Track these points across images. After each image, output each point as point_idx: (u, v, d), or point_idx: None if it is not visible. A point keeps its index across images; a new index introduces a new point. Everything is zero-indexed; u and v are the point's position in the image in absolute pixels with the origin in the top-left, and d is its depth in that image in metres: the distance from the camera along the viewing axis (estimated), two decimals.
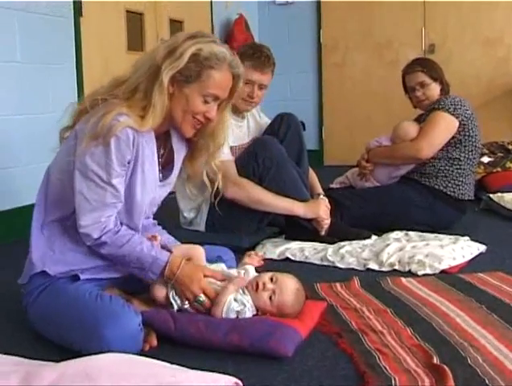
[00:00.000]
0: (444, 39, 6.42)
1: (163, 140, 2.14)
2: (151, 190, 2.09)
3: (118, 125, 1.88)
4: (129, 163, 1.96)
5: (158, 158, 2.10)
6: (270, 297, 2.06)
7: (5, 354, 1.79)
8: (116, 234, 1.97)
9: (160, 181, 2.13)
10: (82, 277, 2.03)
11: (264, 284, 2.08)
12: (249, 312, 2.03)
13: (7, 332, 2.14)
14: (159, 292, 2.05)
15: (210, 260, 2.27)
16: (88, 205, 1.93)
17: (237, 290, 2.05)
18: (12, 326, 2.18)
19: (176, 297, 2.05)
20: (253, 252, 2.35)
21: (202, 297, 2.03)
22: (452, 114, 3.47)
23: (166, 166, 2.17)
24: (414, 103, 3.74)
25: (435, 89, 3.63)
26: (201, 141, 2.18)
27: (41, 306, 2.01)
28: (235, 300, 2.02)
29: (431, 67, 3.67)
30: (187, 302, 2.04)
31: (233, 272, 2.17)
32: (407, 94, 3.77)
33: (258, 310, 2.05)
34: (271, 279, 2.09)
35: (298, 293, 2.10)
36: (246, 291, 2.07)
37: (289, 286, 2.09)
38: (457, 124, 3.48)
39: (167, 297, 2.05)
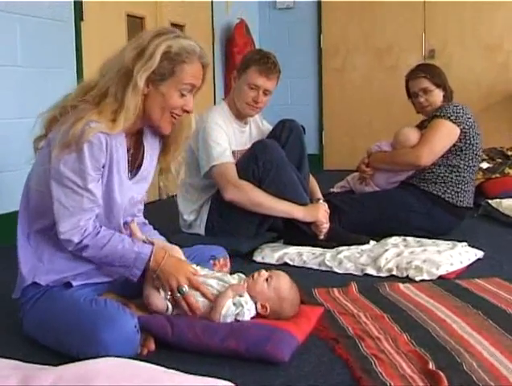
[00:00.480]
0: (444, 44, 6.44)
1: (133, 138, 2.15)
2: (128, 190, 2.11)
3: (90, 131, 1.89)
4: (103, 167, 1.98)
5: (128, 157, 2.11)
6: (267, 280, 2.11)
7: (2, 357, 1.80)
8: (96, 236, 1.98)
9: (130, 179, 2.12)
10: (74, 283, 2.04)
11: (259, 272, 2.15)
12: (248, 312, 2.04)
13: (4, 337, 2.15)
14: (157, 299, 2.06)
15: (203, 260, 2.32)
16: (66, 211, 1.94)
17: (235, 296, 2.06)
18: (9, 330, 2.19)
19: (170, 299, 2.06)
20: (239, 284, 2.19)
21: (185, 288, 2.03)
22: (454, 122, 3.46)
23: (135, 161, 2.16)
24: (418, 109, 3.74)
25: (438, 95, 3.62)
26: (172, 134, 2.19)
27: (37, 314, 2.02)
28: (234, 304, 2.04)
29: (435, 73, 3.66)
30: (169, 293, 2.04)
31: (227, 278, 2.17)
32: (410, 99, 3.77)
33: (256, 309, 2.08)
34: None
35: (292, 285, 2.17)
36: (243, 293, 2.09)
37: (283, 275, 2.18)
38: (459, 132, 3.48)
39: (165, 307, 2.06)
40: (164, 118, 2.06)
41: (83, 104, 1.96)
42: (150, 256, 2.02)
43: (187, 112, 2.10)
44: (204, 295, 2.05)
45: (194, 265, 2.15)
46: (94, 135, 1.90)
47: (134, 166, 2.15)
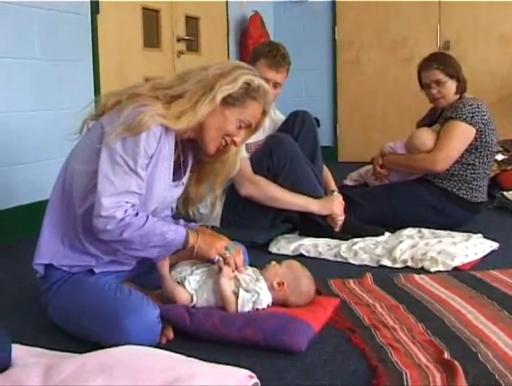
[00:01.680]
0: (459, 36, 6.41)
1: (178, 145, 2.20)
2: (166, 188, 2.15)
3: (153, 121, 1.95)
4: (151, 158, 2.02)
5: (175, 161, 2.17)
6: (279, 263, 2.21)
7: (27, 345, 1.84)
8: (136, 216, 2.00)
9: (173, 181, 2.18)
10: (97, 270, 2.08)
11: (270, 262, 2.24)
12: (264, 299, 2.08)
13: (29, 325, 2.18)
14: (182, 293, 2.09)
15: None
16: (112, 188, 1.96)
17: (235, 278, 2.10)
18: (32, 317, 2.22)
19: (195, 289, 2.09)
20: (224, 267, 2.19)
21: (230, 248, 2.13)
22: (470, 123, 3.42)
23: (178, 169, 2.22)
24: (430, 100, 3.71)
25: (451, 87, 3.56)
26: (211, 166, 2.30)
27: (61, 300, 2.05)
28: (247, 291, 2.07)
29: (448, 63, 3.59)
30: (217, 257, 2.11)
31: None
32: (423, 89, 3.72)
33: (273, 289, 2.13)
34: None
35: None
36: (259, 277, 2.14)
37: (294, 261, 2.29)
38: (474, 132, 3.43)
39: (190, 298, 2.09)
40: (215, 139, 2.14)
41: (151, 99, 2.03)
42: (188, 234, 2.09)
43: (235, 144, 2.18)
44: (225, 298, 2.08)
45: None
46: (156, 125, 1.97)
47: (176, 170, 2.20)
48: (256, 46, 3.57)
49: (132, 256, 2.12)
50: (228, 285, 2.07)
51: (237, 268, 2.13)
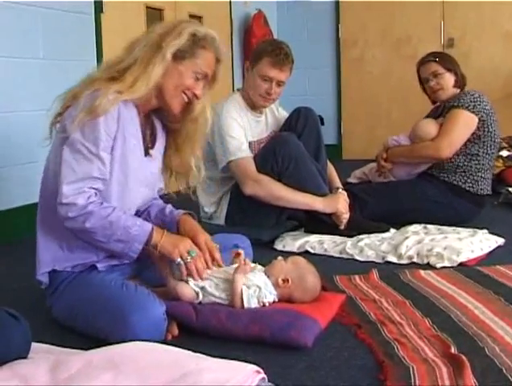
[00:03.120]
0: (463, 33, 6.40)
1: (145, 119, 2.22)
2: (141, 164, 2.16)
3: (109, 103, 1.97)
4: (115, 139, 2.03)
5: (143, 136, 2.18)
6: (284, 260, 2.21)
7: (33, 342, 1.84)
8: (101, 205, 2.00)
9: (145, 156, 2.19)
10: (100, 265, 2.10)
11: (276, 257, 2.25)
12: (269, 294, 2.09)
13: (34, 324, 2.17)
14: (186, 289, 2.09)
15: (227, 248, 2.35)
16: (73, 175, 1.97)
17: (245, 276, 2.10)
18: (37, 318, 2.20)
19: (199, 285, 2.09)
20: (241, 263, 2.20)
21: (194, 252, 2.08)
22: (472, 111, 3.44)
23: (148, 140, 2.23)
24: (430, 94, 3.72)
25: (449, 79, 3.60)
26: (184, 130, 2.29)
27: (67, 299, 2.07)
28: (248, 287, 2.07)
29: (445, 58, 3.66)
30: (178, 259, 2.06)
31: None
32: (422, 87, 3.76)
33: (278, 285, 2.13)
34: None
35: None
36: (261, 273, 2.15)
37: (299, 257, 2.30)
38: (477, 120, 3.46)
39: (195, 295, 2.09)
40: (176, 97, 2.15)
41: (106, 81, 2.05)
42: (152, 231, 2.06)
43: (196, 97, 2.18)
44: (233, 294, 2.07)
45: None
46: (111, 106, 1.98)
47: (147, 144, 2.22)
48: (259, 43, 3.56)
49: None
50: (241, 282, 2.07)
51: (198, 273, 2.08)
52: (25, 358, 1.67)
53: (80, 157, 1.98)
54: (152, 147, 2.24)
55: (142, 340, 1.77)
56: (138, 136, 2.14)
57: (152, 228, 2.06)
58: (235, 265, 2.16)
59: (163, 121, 2.29)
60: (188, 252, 2.07)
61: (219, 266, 2.17)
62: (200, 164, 2.37)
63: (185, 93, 2.16)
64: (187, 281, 2.08)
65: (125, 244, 2.02)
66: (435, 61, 3.62)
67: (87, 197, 1.97)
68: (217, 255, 2.18)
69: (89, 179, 1.98)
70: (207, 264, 2.12)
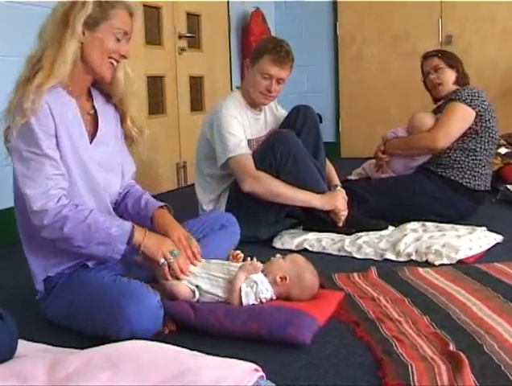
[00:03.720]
0: (461, 30, 6.39)
1: (85, 103, 2.19)
2: (92, 152, 2.14)
3: (32, 102, 1.94)
4: (57, 136, 2.01)
5: (84, 121, 2.15)
6: (283, 257, 2.23)
7: (31, 341, 1.84)
8: (76, 208, 1.98)
9: (90, 143, 2.15)
10: (90, 263, 2.11)
11: (274, 255, 2.27)
12: (265, 291, 2.09)
13: (31, 324, 2.17)
14: (181, 287, 2.09)
15: (214, 229, 2.44)
16: (32, 182, 1.95)
17: (247, 276, 2.10)
18: (35, 318, 2.21)
19: (196, 285, 2.09)
20: (247, 262, 2.22)
21: (176, 251, 2.09)
22: (469, 105, 3.46)
23: (93, 126, 2.20)
24: (430, 89, 3.74)
25: (449, 75, 3.64)
26: (121, 104, 2.27)
27: (61, 299, 2.08)
28: (246, 286, 2.07)
29: (448, 55, 3.70)
30: (162, 260, 2.07)
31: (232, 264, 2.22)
32: (425, 83, 3.78)
33: (276, 283, 2.14)
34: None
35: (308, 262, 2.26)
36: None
37: (298, 255, 2.31)
38: (474, 114, 3.47)
39: (191, 293, 2.09)
40: (104, 64, 2.11)
41: (30, 80, 2.00)
42: (133, 230, 2.05)
43: (124, 57, 2.16)
44: (232, 290, 2.08)
45: (212, 260, 2.21)
46: (38, 104, 1.95)
47: (94, 131, 2.19)
48: (260, 41, 3.56)
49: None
50: (242, 279, 2.08)
51: (182, 272, 2.10)
52: (10, 358, 1.66)
53: (30, 162, 1.96)
54: (96, 130, 2.19)
55: (140, 330, 1.79)
56: (77, 123, 2.10)
57: (132, 227, 2.06)
58: (235, 264, 2.17)
59: (106, 93, 2.26)
60: (171, 252, 2.08)
61: (198, 261, 2.17)
62: (144, 125, 2.37)
63: (112, 57, 2.12)
64: (179, 280, 2.09)
65: (107, 246, 2.01)
66: (438, 56, 3.67)
67: (56, 200, 1.96)
68: (196, 250, 2.18)
69: (48, 180, 1.96)
70: (190, 260, 2.13)
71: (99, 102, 2.24)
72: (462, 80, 3.66)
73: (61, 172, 2.01)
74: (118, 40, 2.11)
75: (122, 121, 2.30)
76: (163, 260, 2.07)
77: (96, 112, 2.21)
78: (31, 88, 1.96)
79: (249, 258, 2.21)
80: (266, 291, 2.09)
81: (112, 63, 2.13)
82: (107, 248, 2.01)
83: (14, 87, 2.06)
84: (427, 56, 3.75)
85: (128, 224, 2.06)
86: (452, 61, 3.65)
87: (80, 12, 2.01)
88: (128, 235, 2.03)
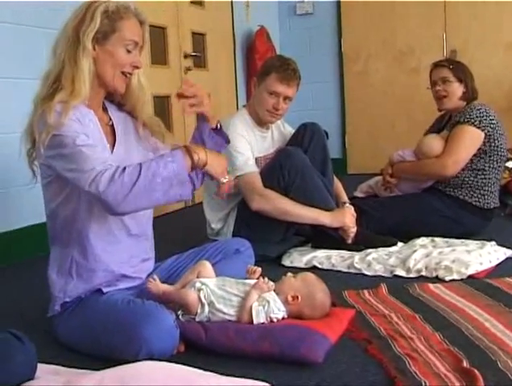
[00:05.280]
0: (466, 44, 6.41)
1: (102, 115, 2.20)
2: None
3: (58, 115, 1.95)
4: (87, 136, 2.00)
5: (105, 132, 2.15)
6: (294, 276, 2.21)
7: (43, 363, 1.83)
8: (124, 171, 1.92)
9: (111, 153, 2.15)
10: (105, 289, 2.10)
11: (285, 274, 2.25)
12: (277, 310, 2.08)
13: (42, 345, 2.16)
14: (191, 295, 2.08)
15: (229, 255, 2.44)
16: (81, 173, 1.91)
17: (260, 295, 2.09)
18: (46, 340, 2.19)
19: (210, 301, 2.08)
20: (261, 280, 2.18)
21: (230, 167, 2.15)
22: (478, 127, 3.42)
23: (113, 137, 2.21)
24: (435, 99, 3.70)
25: (457, 88, 3.58)
26: (133, 111, 2.27)
27: (75, 322, 2.06)
28: (258, 305, 2.06)
29: (459, 67, 3.63)
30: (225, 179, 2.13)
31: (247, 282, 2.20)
32: (431, 88, 3.73)
33: (288, 302, 2.12)
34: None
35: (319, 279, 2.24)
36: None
37: (309, 273, 2.28)
38: (483, 136, 3.43)
39: (199, 300, 2.08)
40: (116, 78, 2.12)
41: (49, 98, 2.01)
42: (186, 152, 2.02)
43: (137, 67, 2.16)
44: (243, 308, 2.06)
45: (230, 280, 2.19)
46: (65, 117, 1.96)
47: (113, 141, 2.19)
48: (267, 60, 3.58)
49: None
50: (254, 298, 2.07)
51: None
52: (31, 379, 1.66)
53: (73, 158, 1.93)
54: (114, 140, 2.19)
55: (157, 351, 1.78)
56: (99, 134, 2.10)
57: (183, 149, 2.03)
58: (249, 281, 2.16)
59: (118, 104, 2.27)
60: (227, 170, 2.14)
61: None
62: (161, 129, 2.35)
63: (124, 71, 2.12)
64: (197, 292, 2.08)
65: (175, 179, 1.96)
66: (449, 68, 3.61)
67: (108, 166, 1.92)
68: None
69: (95, 161, 1.93)
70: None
71: (113, 112, 2.25)
72: (470, 94, 3.60)
73: (98, 151, 1.99)
74: (129, 52, 2.11)
75: (136, 127, 2.29)
76: (226, 179, 2.12)
77: (113, 123, 2.22)
78: (53, 104, 1.96)
79: (260, 277, 2.20)
80: (278, 311, 2.08)
81: (125, 75, 2.14)
82: (176, 187, 1.96)
83: (32, 106, 2.08)
84: (437, 65, 3.69)
85: (176, 151, 2.02)
86: (462, 74, 3.59)
87: (88, 28, 2.03)
88: (183, 158, 1.99)
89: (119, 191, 1.88)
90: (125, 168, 1.92)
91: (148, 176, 1.90)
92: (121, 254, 2.16)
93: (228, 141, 2.38)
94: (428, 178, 3.59)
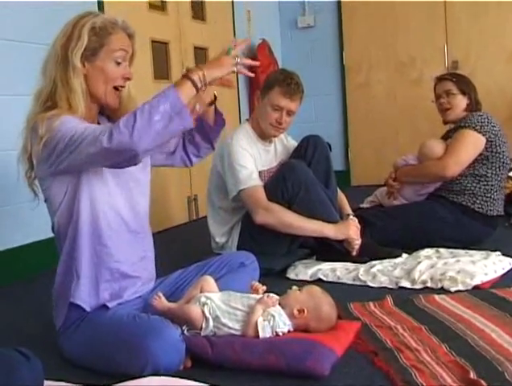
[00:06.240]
0: (467, 55, 6.43)
1: None
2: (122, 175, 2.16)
3: (51, 120, 1.97)
4: None
5: None
6: (299, 289, 2.21)
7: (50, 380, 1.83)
8: (119, 123, 1.88)
9: None
10: (110, 305, 2.10)
11: (290, 287, 2.25)
12: (283, 324, 2.08)
13: (50, 360, 2.17)
14: (195, 310, 2.08)
15: (233, 268, 2.43)
16: (86, 141, 1.91)
17: (265, 309, 2.09)
18: (52, 356, 2.19)
19: (216, 315, 2.08)
20: (265, 295, 2.17)
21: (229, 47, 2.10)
22: (479, 132, 3.45)
23: None
24: (439, 111, 3.74)
25: (460, 101, 3.62)
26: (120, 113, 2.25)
27: (81, 337, 2.06)
28: (264, 320, 2.06)
29: (463, 80, 3.68)
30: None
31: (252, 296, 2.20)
32: (435, 102, 3.77)
33: (294, 316, 2.12)
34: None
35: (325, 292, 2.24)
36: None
37: (315, 286, 2.28)
38: (484, 141, 3.46)
39: (202, 315, 2.08)
40: (109, 92, 2.14)
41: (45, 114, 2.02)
42: (179, 82, 1.98)
43: (129, 79, 2.17)
44: (248, 323, 2.06)
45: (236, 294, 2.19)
46: (56, 121, 1.97)
47: None
48: (270, 74, 3.59)
49: None
50: (259, 313, 2.07)
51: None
52: None
53: (73, 143, 1.93)
54: None
55: (164, 365, 1.78)
56: None
57: (174, 83, 2.01)
58: (254, 296, 2.15)
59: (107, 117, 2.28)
60: (227, 51, 2.12)
61: None
62: None
63: (116, 86, 2.13)
64: (202, 307, 2.08)
65: (171, 112, 1.90)
66: (452, 81, 3.65)
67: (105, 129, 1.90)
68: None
69: (93, 130, 1.93)
70: None
71: (106, 124, 2.24)
72: (474, 106, 3.64)
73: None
74: (119, 64, 2.12)
75: None
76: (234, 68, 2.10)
77: None
78: (46, 115, 1.99)
79: (265, 293, 2.20)
80: (284, 325, 2.08)
81: (117, 89, 2.15)
82: (175, 117, 1.90)
83: (24, 124, 2.09)
84: (441, 79, 3.73)
85: (167, 86, 1.97)
86: (465, 87, 3.64)
87: (76, 46, 2.04)
88: (174, 88, 1.94)
89: (123, 140, 1.85)
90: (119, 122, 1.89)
91: (145, 117, 1.86)
92: (122, 251, 2.17)
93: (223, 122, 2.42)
94: (430, 179, 3.61)
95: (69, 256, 2.11)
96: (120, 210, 2.15)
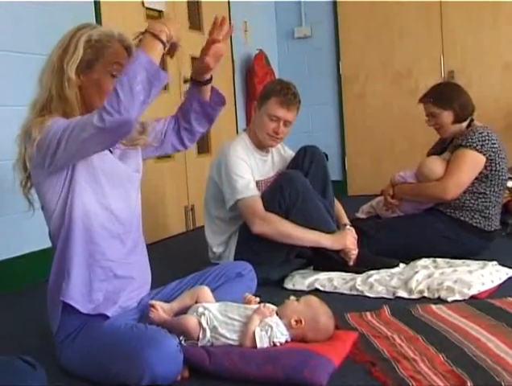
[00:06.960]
0: (463, 65, 6.45)
1: None
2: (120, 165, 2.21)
3: (42, 121, 1.99)
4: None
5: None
6: (297, 300, 2.21)
7: None
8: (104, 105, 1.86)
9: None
10: (109, 313, 2.10)
11: (288, 298, 2.25)
12: (280, 335, 2.08)
13: (50, 370, 2.17)
14: (191, 321, 2.08)
15: (230, 278, 2.42)
16: (78, 127, 1.91)
17: (262, 319, 2.08)
18: (53, 363, 2.18)
19: (213, 326, 2.08)
20: (262, 305, 2.18)
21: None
22: (480, 151, 3.42)
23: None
24: (434, 129, 3.74)
25: (446, 117, 3.57)
26: None
27: (79, 347, 2.06)
28: (261, 328, 2.06)
29: (440, 96, 3.60)
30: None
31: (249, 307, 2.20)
32: (427, 123, 3.75)
33: (291, 326, 2.12)
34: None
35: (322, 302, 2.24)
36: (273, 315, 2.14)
37: (312, 296, 2.29)
38: (484, 160, 3.43)
39: (199, 325, 2.08)
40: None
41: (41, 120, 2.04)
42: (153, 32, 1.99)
43: None
44: (245, 333, 2.06)
45: (232, 304, 2.19)
46: (49, 120, 1.99)
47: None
48: (267, 84, 3.61)
49: None
50: (256, 323, 2.07)
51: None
52: None
53: (64, 128, 1.94)
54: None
55: (161, 375, 1.77)
56: (104, 153, 2.15)
57: (140, 45, 1.98)
58: (251, 306, 2.15)
59: None
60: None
61: None
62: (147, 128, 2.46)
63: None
64: (199, 318, 2.08)
65: (148, 74, 1.88)
66: (430, 102, 3.61)
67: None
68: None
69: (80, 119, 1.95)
70: None
71: None
72: (461, 114, 3.57)
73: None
74: (114, 76, 2.12)
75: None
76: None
77: None
78: (40, 120, 2.00)
79: (262, 303, 2.20)
80: (281, 335, 2.08)
81: None
82: (150, 78, 1.88)
83: (19, 131, 2.10)
84: (422, 101, 3.68)
85: (136, 52, 1.95)
86: (445, 101, 3.56)
87: (72, 58, 2.06)
88: (144, 55, 1.91)
89: (112, 118, 1.83)
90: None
91: (126, 91, 1.83)
92: (114, 250, 2.17)
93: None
94: (429, 200, 3.59)
95: (62, 255, 2.11)
96: (114, 210, 2.16)
